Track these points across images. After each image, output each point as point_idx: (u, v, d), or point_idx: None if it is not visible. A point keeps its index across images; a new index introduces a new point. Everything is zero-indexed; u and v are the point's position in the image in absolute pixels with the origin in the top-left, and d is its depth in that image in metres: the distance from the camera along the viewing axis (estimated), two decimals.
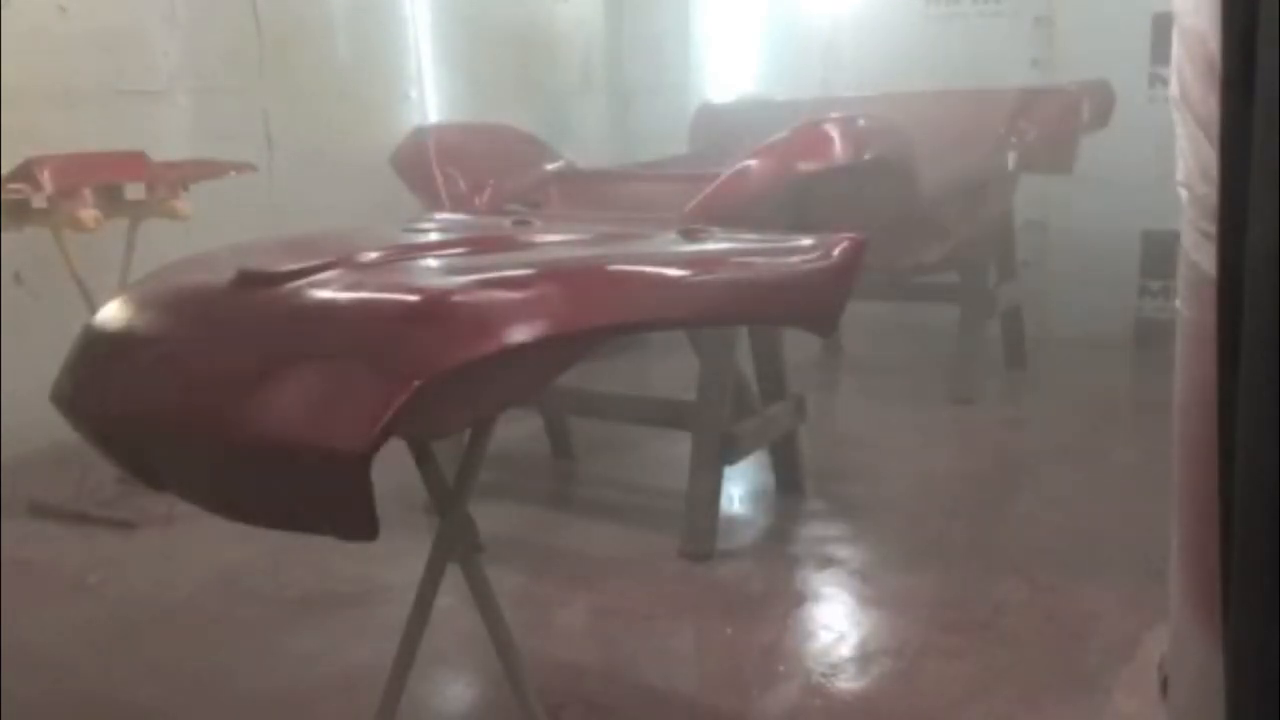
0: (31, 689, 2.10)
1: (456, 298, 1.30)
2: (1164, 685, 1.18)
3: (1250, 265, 0.68)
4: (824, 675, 2.10)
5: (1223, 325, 0.73)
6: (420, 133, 3.41)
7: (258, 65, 4.05)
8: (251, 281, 1.31)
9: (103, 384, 1.35)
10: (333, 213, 3.44)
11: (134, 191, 3.15)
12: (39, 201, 2.83)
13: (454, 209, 3.02)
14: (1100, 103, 3.85)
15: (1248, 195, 0.70)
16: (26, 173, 2.78)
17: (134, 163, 3.08)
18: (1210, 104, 0.83)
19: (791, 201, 2.72)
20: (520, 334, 1.21)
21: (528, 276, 1.33)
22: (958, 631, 2.26)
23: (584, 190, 3.33)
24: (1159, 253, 4.36)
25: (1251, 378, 0.70)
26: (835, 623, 2.38)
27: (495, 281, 1.30)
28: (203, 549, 2.73)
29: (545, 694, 1.83)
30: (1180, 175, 1.00)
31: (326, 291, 1.30)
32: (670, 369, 2.94)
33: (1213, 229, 0.79)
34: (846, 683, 2.08)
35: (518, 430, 3.45)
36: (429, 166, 3.12)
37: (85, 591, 2.58)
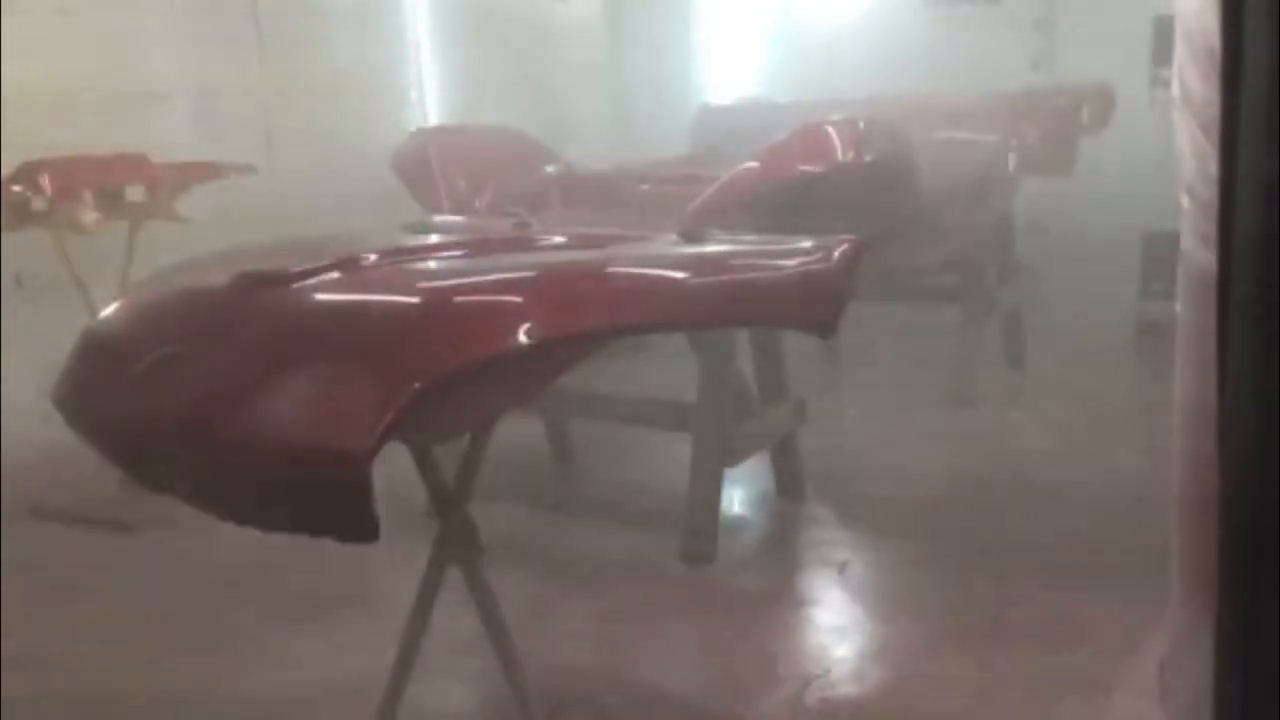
0: (32, 690, 2.10)
1: (457, 300, 1.30)
2: (1164, 687, 1.18)
3: (1238, 263, 0.69)
4: (824, 677, 2.10)
5: (1222, 327, 0.73)
6: (420, 135, 3.41)
7: (258, 67, 4.05)
8: (252, 284, 1.31)
9: (103, 386, 1.35)
10: (333, 214, 3.44)
11: (134, 194, 3.15)
12: (39, 204, 2.84)
13: (454, 211, 3.02)
14: (1100, 105, 3.85)
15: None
16: (27, 175, 2.79)
17: (134, 165, 3.09)
18: (1212, 105, 0.83)
19: (792, 203, 2.72)
20: (520, 336, 1.21)
21: (528, 279, 1.33)
22: (958, 633, 2.25)
23: (584, 192, 3.33)
24: (1159, 254, 4.35)
25: (1239, 376, 0.70)
26: (835, 624, 2.38)
27: (495, 284, 1.31)
28: (203, 551, 2.72)
29: (545, 696, 1.83)
30: (1181, 178, 1.00)
31: (327, 294, 1.30)
32: (670, 371, 2.94)
33: (1213, 231, 0.79)
34: (846, 685, 2.08)
35: (518, 432, 3.44)
36: (429, 168, 3.12)
37: (85, 593, 2.57)
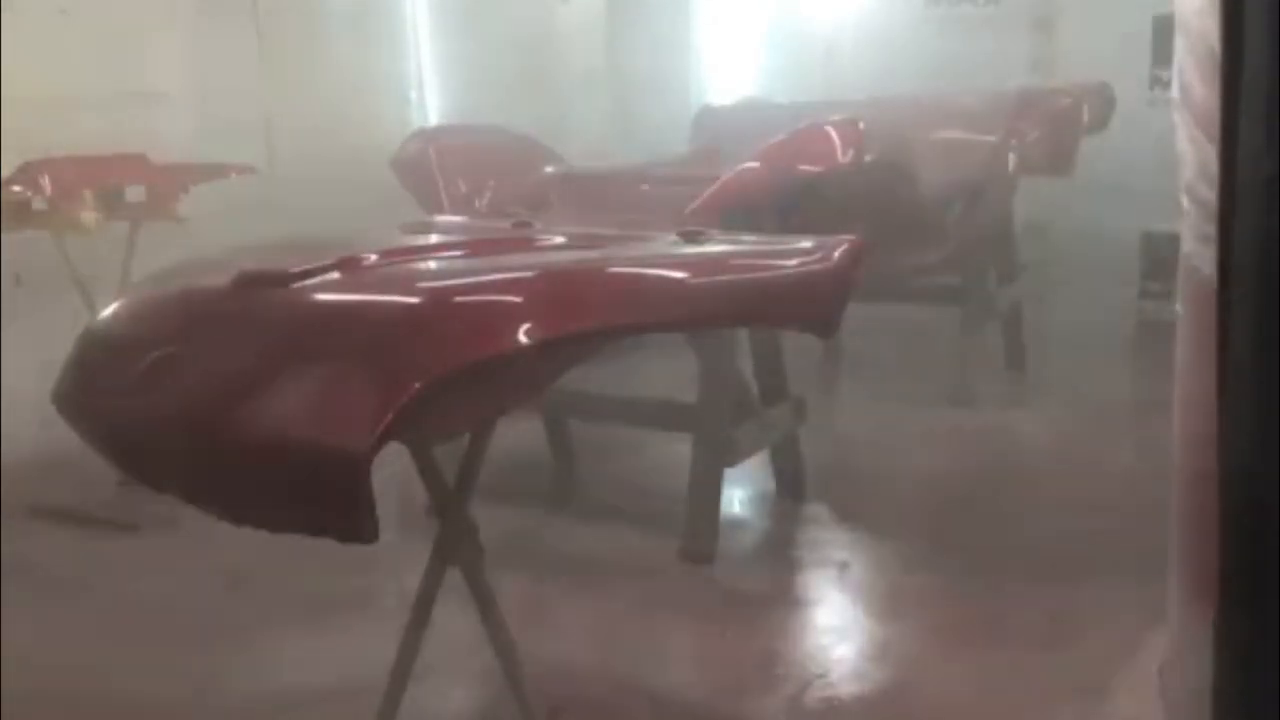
0: (32, 691, 2.10)
1: (457, 300, 1.31)
2: (1164, 687, 1.18)
3: (1238, 262, 0.69)
4: (823, 677, 2.10)
5: (1222, 327, 0.73)
6: (421, 135, 3.41)
7: (258, 67, 4.06)
8: (252, 284, 1.31)
9: (104, 386, 1.35)
10: (333, 215, 3.44)
11: (134, 194, 3.15)
12: (39, 204, 2.84)
13: (454, 211, 3.02)
14: (1100, 105, 3.85)
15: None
16: (27, 175, 2.78)
17: (134, 165, 3.09)
18: (1212, 105, 0.83)
19: (792, 203, 2.72)
20: (520, 336, 1.21)
21: (528, 279, 1.33)
22: (957, 633, 2.25)
23: (584, 193, 3.33)
24: (1159, 255, 4.36)
25: (1239, 376, 0.70)
26: (835, 625, 2.38)
27: (495, 284, 1.31)
28: (203, 551, 2.72)
29: (545, 696, 1.83)
30: (1181, 178, 1.00)
31: (327, 294, 1.30)
32: (670, 371, 2.94)
33: (1213, 231, 0.79)
34: (846, 685, 2.08)
35: (518, 433, 3.45)
36: (429, 169, 3.13)
37: (85, 593, 2.57)
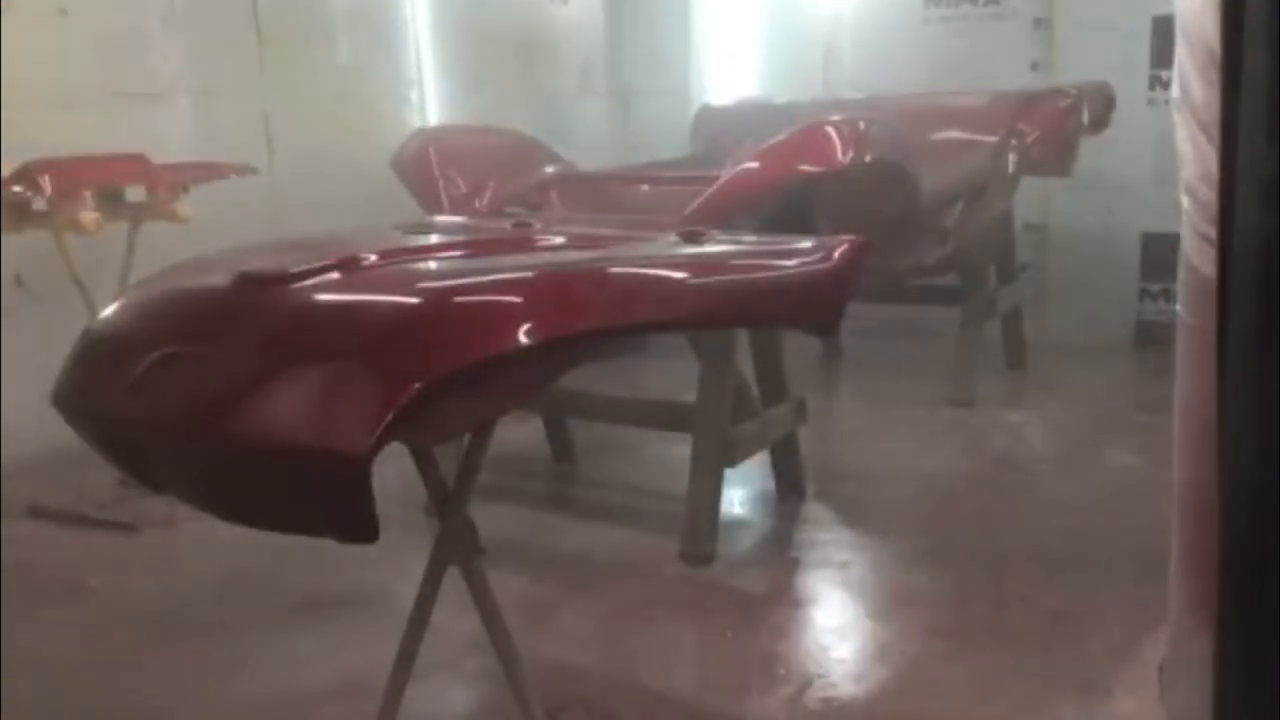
0: (31, 692, 2.10)
1: (457, 300, 1.30)
2: (1164, 687, 1.18)
3: (1238, 262, 0.69)
4: (824, 678, 2.10)
5: (1222, 327, 0.73)
6: (421, 135, 3.41)
7: (258, 67, 4.05)
8: (252, 284, 1.30)
9: (103, 386, 1.35)
10: (333, 215, 3.44)
11: (134, 194, 3.15)
12: (39, 204, 2.83)
13: (454, 211, 3.02)
14: (1100, 105, 3.85)
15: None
16: (27, 175, 2.78)
17: (134, 165, 3.08)
18: (1212, 106, 0.83)
19: (791, 203, 2.72)
20: (520, 336, 1.21)
21: (528, 279, 1.33)
22: (957, 634, 2.25)
23: (584, 192, 3.33)
24: (1159, 255, 4.36)
25: (1237, 376, 0.70)
26: (835, 625, 2.38)
27: (495, 284, 1.31)
28: (203, 551, 2.73)
29: (545, 696, 1.83)
30: (1181, 178, 1.00)
31: (327, 294, 1.30)
32: (671, 371, 2.94)
33: (1213, 232, 0.79)
34: (846, 685, 2.08)
35: (518, 433, 3.45)
36: (429, 169, 3.13)
37: (85, 594, 2.58)
